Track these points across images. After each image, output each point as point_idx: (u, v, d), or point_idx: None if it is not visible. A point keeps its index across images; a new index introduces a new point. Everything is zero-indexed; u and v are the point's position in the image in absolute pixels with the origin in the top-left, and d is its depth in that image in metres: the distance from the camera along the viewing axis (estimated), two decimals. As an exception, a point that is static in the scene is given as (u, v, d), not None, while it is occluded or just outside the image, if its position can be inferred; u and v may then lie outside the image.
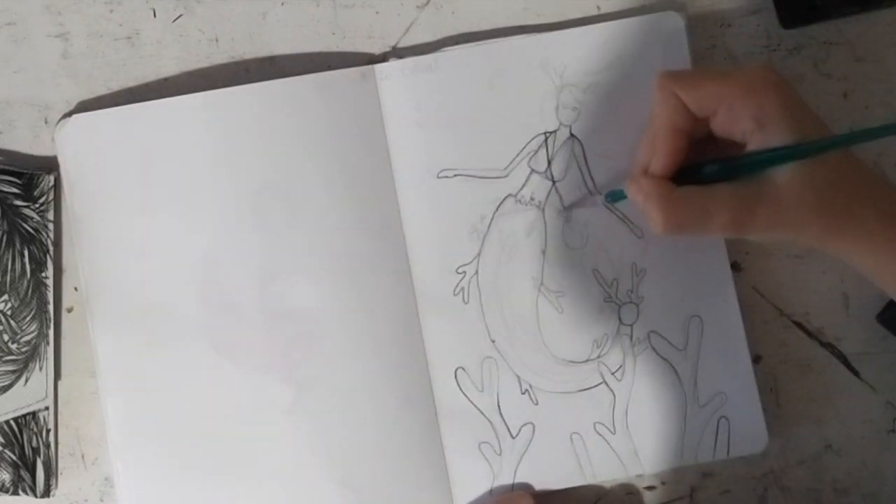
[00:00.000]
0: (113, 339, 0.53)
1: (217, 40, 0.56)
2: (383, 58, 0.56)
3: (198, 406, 0.53)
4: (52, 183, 0.54)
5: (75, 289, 0.55)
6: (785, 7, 0.55)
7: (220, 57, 0.55)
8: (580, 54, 0.54)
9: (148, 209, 0.54)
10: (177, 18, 0.56)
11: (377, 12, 0.56)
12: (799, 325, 0.55)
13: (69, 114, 0.54)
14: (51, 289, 0.54)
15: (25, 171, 0.54)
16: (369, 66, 0.54)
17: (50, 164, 0.55)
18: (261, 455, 0.53)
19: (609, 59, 0.54)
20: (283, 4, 0.56)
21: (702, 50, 0.56)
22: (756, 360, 0.55)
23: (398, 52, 0.55)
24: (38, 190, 0.54)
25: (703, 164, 0.50)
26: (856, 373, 0.55)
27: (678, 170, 0.50)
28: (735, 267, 0.55)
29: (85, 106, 0.55)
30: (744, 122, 0.48)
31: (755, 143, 0.48)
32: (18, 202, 0.54)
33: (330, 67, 0.55)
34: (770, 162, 0.47)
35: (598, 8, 0.56)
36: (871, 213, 0.47)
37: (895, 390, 0.55)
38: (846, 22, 0.56)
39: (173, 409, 0.53)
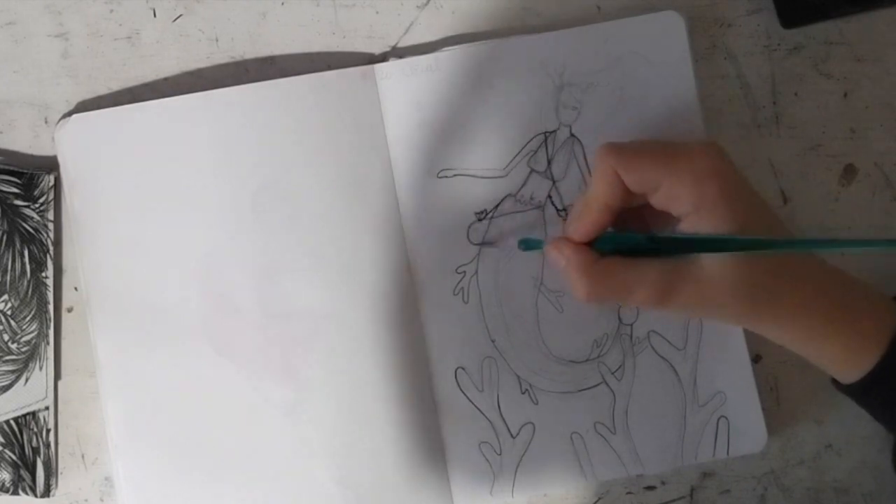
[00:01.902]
0: (113, 339, 0.53)
1: (217, 40, 0.56)
2: (383, 58, 0.56)
3: (198, 406, 0.53)
4: (52, 183, 0.54)
5: (75, 289, 0.55)
6: (785, 7, 0.55)
7: (220, 57, 0.56)
8: (580, 54, 0.54)
9: (148, 209, 0.54)
10: (177, 18, 0.56)
11: (377, 12, 0.56)
12: (799, 324, 0.55)
13: (69, 114, 0.54)
14: (51, 289, 0.54)
15: (25, 171, 0.54)
16: (369, 66, 0.54)
17: (50, 164, 0.55)
18: (261, 455, 0.53)
19: (609, 59, 0.54)
20: (283, 4, 0.56)
21: (702, 50, 0.56)
22: (756, 359, 0.55)
23: (398, 52, 0.55)
24: (38, 190, 0.54)
25: (624, 235, 0.49)
26: (856, 373, 0.55)
27: (601, 231, 0.49)
28: (735, 267, 0.55)
29: (85, 106, 0.55)
30: (681, 203, 0.47)
31: (688, 225, 0.47)
32: (18, 202, 0.54)
33: (330, 67, 0.55)
34: (700, 248, 0.47)
35: (599, 8, 0.56)
36: (796, 298, 0.47)
37: (895, 390, 0.55)
38: (846, 22, 0.56)
39: (173, 410, 0.53)
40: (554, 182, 0.54)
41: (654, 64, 0.54)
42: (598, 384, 0.54)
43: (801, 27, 0.56)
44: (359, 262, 0.54)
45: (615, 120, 0.54)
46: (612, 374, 0.54)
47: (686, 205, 0.47)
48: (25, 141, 0.55)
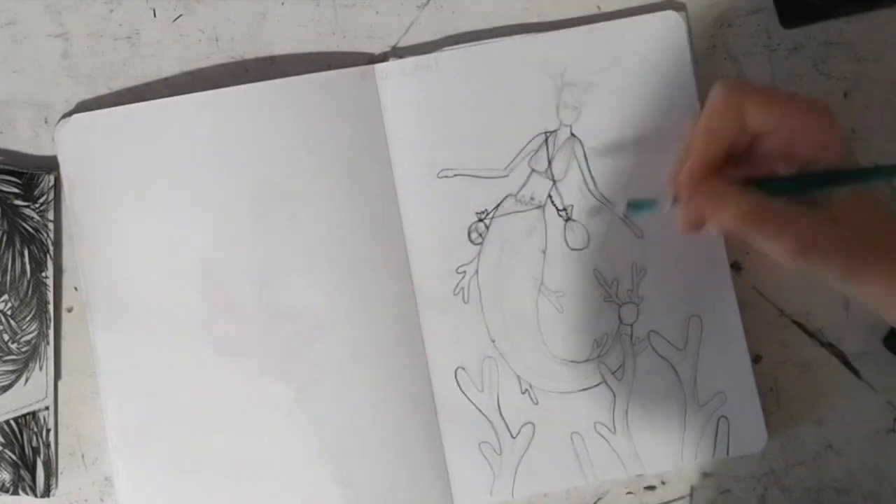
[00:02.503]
0: (113, 338, 0.53)
1: (217, 40, 0.56)
2: (383, 58, 0.56)
3: (198, 405, 0.53)
4: (52, 183, 0.54)
5: (75, 289, 0.55)
6: (785, 7, 0.55)
7: (220, 57, 0.55)
8: (581, 54, 0.54)
9: (148, 209, 0.54)
10: (177, 18, 0.56)
11: (377, 12, 0.56)
12: (799, 325, 0.55)
13: (69, 114, 0.54)
14: (51, 288, 0.54)
15: (25, 171, 0.54)
16: (369, 66, 0.54)
17: (50, 164, 0.55)
18: (261, 455, 0.53)
19: (610, 59, 0.54)
20: (283, 4, 0.56)
21: (702, 50, 0.56)
22: (756, 360, 0.55)
23: (398, 52, 0.55)
24: (38, 190, 0.54)
25: (771, 179, 0.48)
26: (856, 373, 0.55)
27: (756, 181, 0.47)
28: (735, 267, 0.55)
29: (85, 105, 0.55)
30: (805, 146, 0.47)
31: (815, 167, 0.47)
32: (18, 202, 0.54)
33: (330, 67, 0.55)
34: (840, 181, 0.46)
35: (599, 7, 0.56)
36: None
37: (895, 390, 0.55)
38: (846, 22, 0.56)
39: (173, 409, 0.53)
40: (554, 182, 0.54)
41: (654, 64, 0.54)
42: (598, 384, 0.54)
43: (801, 27, 0.56)
44: (359, 262, 0.54)
45: (616, 120, 0.54)
46: (613, 373, 0.54)
47: (808, 148, 0.46)
48: (25, 141, 0.55)
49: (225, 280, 0.54)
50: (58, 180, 0.54)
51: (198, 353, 0.53)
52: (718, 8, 0.56)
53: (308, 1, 0.56)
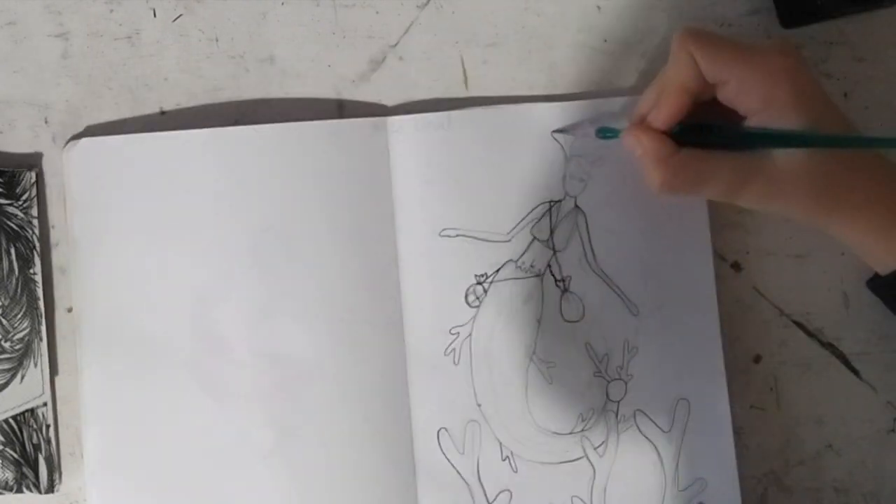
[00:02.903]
0: (99, 367, 0.53)
1: (217, 40, 0.56)
2: (383, 58, 0.56)
3: (177, 441, 0.53)
4: (33, 180, 0.54)
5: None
6: (785, 7, 0.55)
7: (220, 57, 0.56)
8: (592, 126, 0.54)
9: (147, 240, 0.54)
10: (177, 18, 0.56)
11: (377, 12, 0.56)
12: (799, 325, 0.55)
13: (79, 136, 0.54)
14: (40, 285, 0.54)
15: (7, 169, 0.54)
16: (381, 119, 0.54)
17: (30, 161, 0.55)
18: (236, 497, 0.53)
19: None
20: (283, 4, 0.56)
21: (702, 50, 0.56)
22: (756, 360, 0.55)
23: (409, 108, 0.55)
24: (19, 187, 0.54)
25: (706, 126, 0.50)
26: (856, 373, 0.55)
27: (678, 124, 0.50)
28: (735, 267, 0.55)
29: (87, 107, 0.55)
30: (751, 100, 0.48)
31: (758, 121, 0.48)
32: (1, 200, 0.54)
33: (330, 67, 0.55)
34: (773, 143, 0.48)
35: (599, 8, 0.56)
36: (861, 194, 0.48)
37: (895, 390, 0.55)
38: (846, 22, 0.56)
39: (152, 443, 0.53)
40: (555, 252, 0.54)
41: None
42: (579, 458, 0.54)
43: (801, 27, 0.55)
44: (352, 313, 0.54)
45: (621, 194, 0.54)
46: (595, 449, 0.54)
47: (756, 101, 0.48)
48: (25, 141, 0.55)
49: (216, 318, 0.54)
50: (39, 177, 0.55)
51: (182, 389, 0.53)
52: (718, 8, 0.56)
53: (308, 1, 0.56)
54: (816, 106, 0.48)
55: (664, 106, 0.49)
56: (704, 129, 0.50)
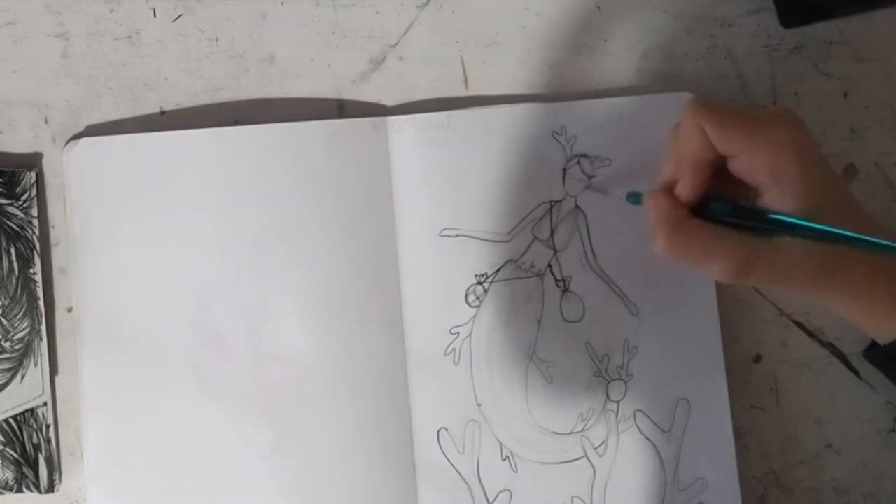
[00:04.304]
0: (99, 367, 0.53)
1: (217, 40, 0.56)
2: (383, 58, 0.56)
3: (177, 441, 0.53)
4: (33, 179, 0.54)
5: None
6: (785, 7, 0.55)
7: (220, 57, 0.56)
8: (592, 127, 0.54)
9: (148, 240, 0.54)
10: (177, 18, 0.56)
11: (377, 12, 0.56)
12: (799, 324, 0.55)
13: (79, 135, 0.54)
14: (40, 285, 0.54)
15: (7, 169, 0.54)
16: (381, 119, 0.54)
17: (30, 161, 0.55)
18: (235, 496, 0.53)
19: (621, 135, 0.54)
20: (283, 4, 0.56)
21: (702, 50, 0.56)
22: (756, 359, 0.55)
23: (409, 108, 0.55)
24: (19, 187, 0.54)
25: (716, 202, 0.49)
26: (856, 373, 0.55)
27: (702, 189, 0.50)
28: (735, 267, 0.55)
29: (87, 108, 0.55)
30: (761, 176, 0.48)
31: (769, 198, 0.48)
32: (1, 200, 0.54)
33: (330, 67, 0.55)
34: (784, 229, 0.47)
35: (599, 8, 0.56)
36: (860, 274, 0.48)
37: (895, 390, 0.55)
38: (846, 22, 0.56)
39: (152, 442, 0.53)
40: (555, 252, 0.54)
41: (664, 142, 0.54)
42: (579, 458, 0.54)
43: (801, 27, 0.56)
44: (352, 313, 0.54)
45: (621, 195, 0.54)
46: (595, 449, 0.54)
47: (765, 177, 0.48)
48: (25, 141, 0.55)
49: (216, 317, 0.54)
50: (39, 177, 0.55)
51: (182, 389, 0.53)
52: (718, 8, 0.56)
53: (308, 1, 0.56)
54: (823, 184, 0.48)
55: (686, 181, 0.49)
56: (710, 202, 0.49)
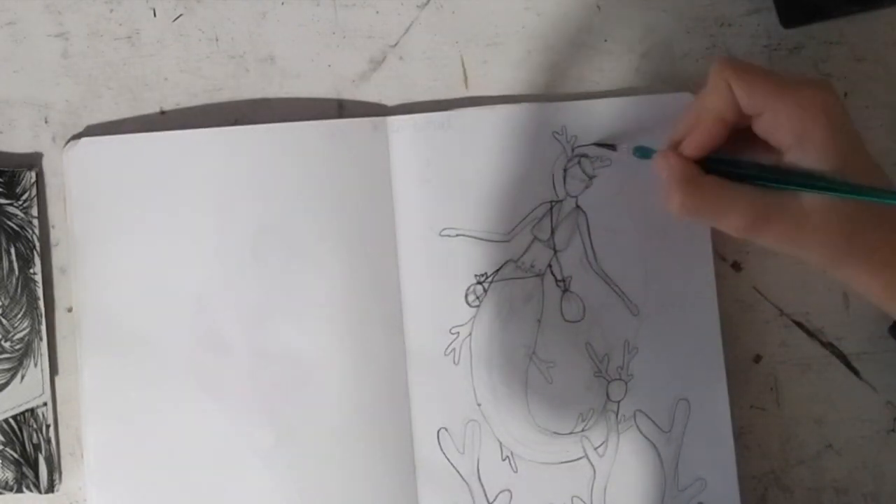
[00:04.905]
0: (100, 367, 0.53)
1: (217, 40, 0.56)
2: (383, 58, 0.56)
3: (177, 441, 0.53)
4: (33, 179, 0.54)
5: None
6: (785, 7, 0.55)
7: (220, 57, 0.56)
8: (592, 126, 0.54)
9: (147, 240, 0.54)
10: (177, 18, 0.56)
11: (377, 12, 0.56)
12: (799, 324, 0.55)
13: (79, 135, 0.54)
14: (40, 285, 0.54)
15: (6, 169, 0.54)
16: (381, 118, 0.54)
17: (30, 161, 0.55)
18: (235, 495, 0.53)
19: (620, 134, 0.54)
20: (283, 4, 0.56)
21: (702, 50, 0.56)
22: (756, 359, 0.55)
23: (409, 108, 0.55)
24: (19, 187, 0.54)
25: (735, 161, 0.49)
26: (856, 373, 0.55)
27: (714, 146, 0.49)
28: (735, 267, 0.55)
29: (88, 108, 0.55)
30: (785, 134, 0.47)
31: (791, 157, 0.47)
32: (1, 200, 0.54)
33: (330, 67, 0.55)
34: (804, 187, 0.47)
35: (599, 8, 0.56)
36: (883, 243, 0.47)
37: (895, 390, 0.55)
38: (846, 22, 0.56)
39: (152, 442, 0.53)
40: (556, 252, 0.54)
41: (664, 142, 0.54)
42: (579, 458, 0.54)
43: (801, 27, 0.55)
44: (353, 313, 0.54)
45: (623, 194, 0.54)
46: (595, 449, 0.54)
47: (788, 136, 0.47)
48: (25, 141, 0.55)
49: (216, 317, 0.54)
50: (39, 177, 0.55)
51: (182, 389, 0.53)
52: (718, 8, 0.56)
53: (308, 1, 0.56)
54: (848, 145, 0.47)
55: (698, 133, 0.49)
56: (734, 164, 0.49)
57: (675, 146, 0.50)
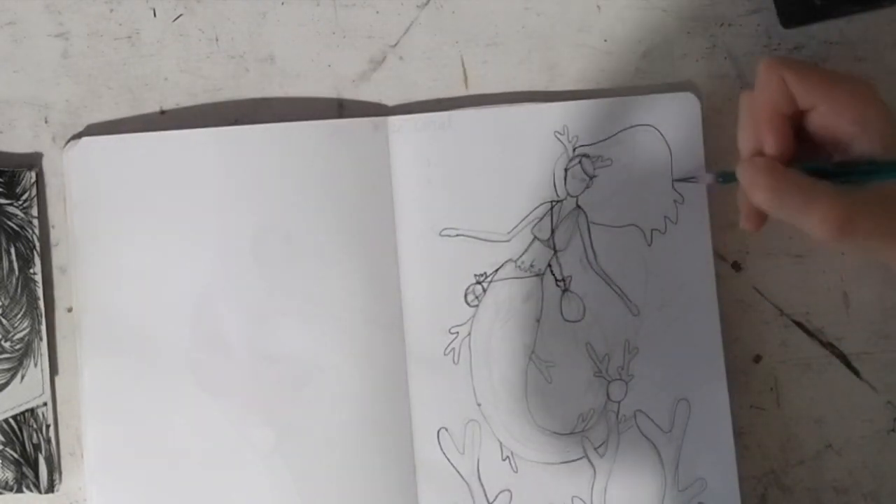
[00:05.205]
0: (99, 367, 0.53)
1: (217, 40, 0.56)
2: (383, 58, 0.56)
3: (177, 441, 0.53)
4: (33, 179, 0.54)
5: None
6: (785, 7, 0.55)
7: (220, 57, 0.56)
8: (594, 126, 0.54)
9: (147, 240, 0.54)
10: (177, 18, 0.56)
11: (377, 12, 0.56)
12: (799, 324, 0.55)
13: (79, 135, 0.54)
14: (40, 285, 0.54)
15: (7, 169, 0.54)
16: (381, 118, 0.54)
17: (30, 161, 0.55)
18: (235, 496, 0.53)
19: (622, 135, 0.54)
20: (283, 4, 0.56)
21: (702, 50, 0.56)
22: (756, 359, 0.55)
23: (409, 108, 0.55)
24: (19, 187, 0.54)
25: (813, 164, 0.48)
26: (856, 373, 0.55)
27: (788, 142, 0.48)
28: (735, 267, 0.55)
29: (87, 108, 0.55)
30: (845, 121, 0.47)
31: (857, 146, 0.47)
32: (1, 200, 0.54)
33: (330, 67, 0.55)
34: (882, 173, 0.46)
35: (599, 8, 0.56)
36: None
37: (895, 390, 0.55)
38: (846, 22, 0.56)
39: (153, 443, 0.53)
40: (556, 251, 0.54)
41: (666, 143, 0.54)
42: (579, 458, 0.54)
43: (801, 27, 0.55)
44: (352, 313, 0.54)
45: (623, 194, 0.54)
46: (595, 449, 0.54)
47: (849, 123, 0.47)
48: (25, 141, 0.55)
49: (217, 318, 0.54)
50: (39, 177, 0.55)
51: (182, 389, 0.53)
52: (718, 8, 0.56)
53: (308, 1, 0.56)
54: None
55: (771, 134, 0.48)
56: (807, 167, 0.47)
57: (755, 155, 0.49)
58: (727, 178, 0.51)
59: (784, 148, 0.48)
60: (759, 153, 0.48)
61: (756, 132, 0.49)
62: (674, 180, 0.54)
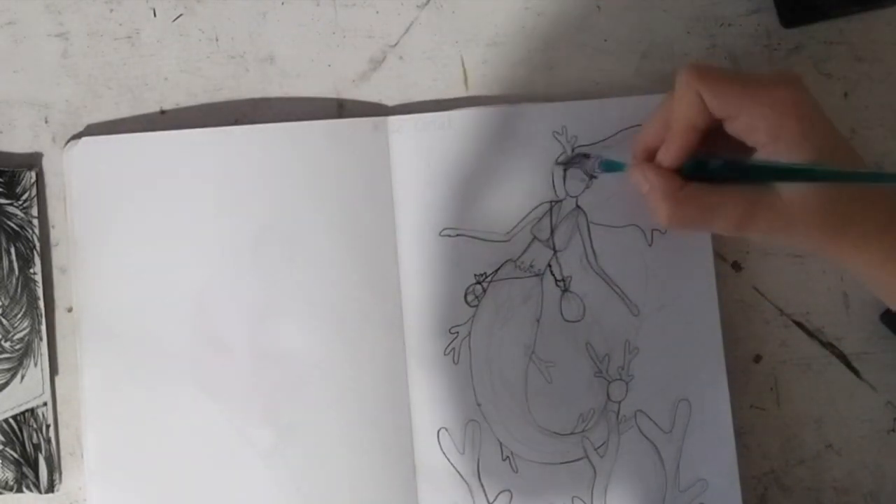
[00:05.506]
0: (99, 367, 0.53)
1: (217, 40, 0.56)
2: (383, 58, 0.56)
3: (177, 441, 0.53)
4: (33, 179, 0.54)
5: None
6: (785, 6, 0.55)
7: (220, 57, 0.56)
8: (593, 127, 0.54)
9: (148, 239, 0.54)
10: (177, 18, 0.56)
11: (377, 12, 0.56)
12: (799, 324, 0.55)
13: (79, 135, 0.54)
14: (40, 285, 0.54)
15: (6, 169, 0.54)
16: (381, 118, 0.54)
17: (30, 161, 0.55)
18: (235, 496, 0.53)
19: (621, 135, 0.54)
20: (283, 4, 0.56)
21: (702, 50, 0.56)
22: (756, 359, 0.55)
23: (409, 108, 0.55)
24: (20, 187, 0.54)
25: (712, 159, 0.49)
26: (856, 373, 0.55)
27: (687, 154, 0.50)
28: (735, 267, 0.55)
29: (87, 109, 0.55)
30: (759, 134, 0.48)
31: (765, 154, 0.48)
32: (1, 200, 0.54)
33: (330, 67, 0.55)
34: (780, 177, 0.47)
35: (599, 8, 0.56)
36: (870, 224, 0.47)
37: (895, 390, 0.55)
38: (846, 21, 0.56)
39: (152, 443, 0.53)
40: (555, 252, 0.54)
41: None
42: (580, 458, 0.54)
43: (801, 27, 0.56)
44: (352, 313, 0.54)
45: (622, 196, 0.54)
46: (596, 450, 0.54)
47: (764, 135, 0.47)
48: (25, 141, 0.55)
49: (216, 318, 0.54)
50: (39, 177, 0.55)
51: (182, 389, 0.53)
52: (718, 8, 0.56)
53: (308, 1, 0.56)
54: (824, 138, 0.47)
55: (672, 145, 0.49)
56: (711, 164, 0.49)
57: (645, 154, 0.51)
58: (611, 166, 0.52)
59: (681, 160, 0.49)
60: (652, 154, 0.50)
61: (661, 135, 0.50)
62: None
